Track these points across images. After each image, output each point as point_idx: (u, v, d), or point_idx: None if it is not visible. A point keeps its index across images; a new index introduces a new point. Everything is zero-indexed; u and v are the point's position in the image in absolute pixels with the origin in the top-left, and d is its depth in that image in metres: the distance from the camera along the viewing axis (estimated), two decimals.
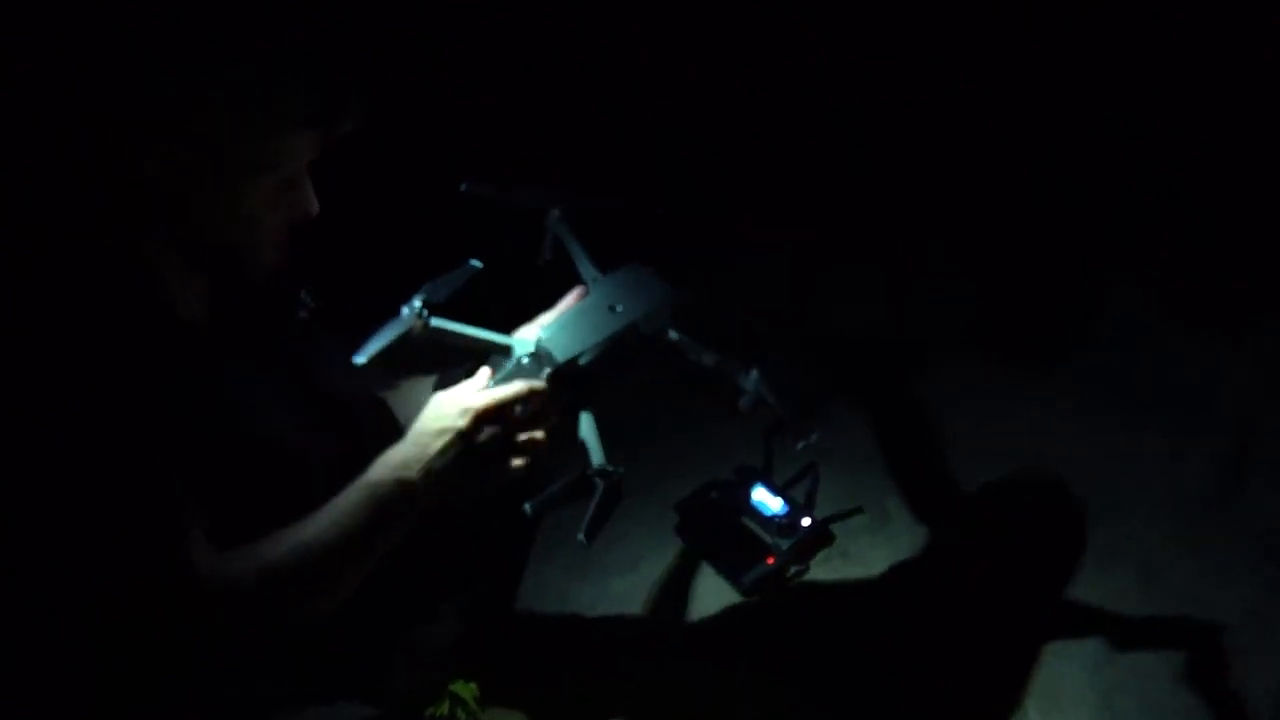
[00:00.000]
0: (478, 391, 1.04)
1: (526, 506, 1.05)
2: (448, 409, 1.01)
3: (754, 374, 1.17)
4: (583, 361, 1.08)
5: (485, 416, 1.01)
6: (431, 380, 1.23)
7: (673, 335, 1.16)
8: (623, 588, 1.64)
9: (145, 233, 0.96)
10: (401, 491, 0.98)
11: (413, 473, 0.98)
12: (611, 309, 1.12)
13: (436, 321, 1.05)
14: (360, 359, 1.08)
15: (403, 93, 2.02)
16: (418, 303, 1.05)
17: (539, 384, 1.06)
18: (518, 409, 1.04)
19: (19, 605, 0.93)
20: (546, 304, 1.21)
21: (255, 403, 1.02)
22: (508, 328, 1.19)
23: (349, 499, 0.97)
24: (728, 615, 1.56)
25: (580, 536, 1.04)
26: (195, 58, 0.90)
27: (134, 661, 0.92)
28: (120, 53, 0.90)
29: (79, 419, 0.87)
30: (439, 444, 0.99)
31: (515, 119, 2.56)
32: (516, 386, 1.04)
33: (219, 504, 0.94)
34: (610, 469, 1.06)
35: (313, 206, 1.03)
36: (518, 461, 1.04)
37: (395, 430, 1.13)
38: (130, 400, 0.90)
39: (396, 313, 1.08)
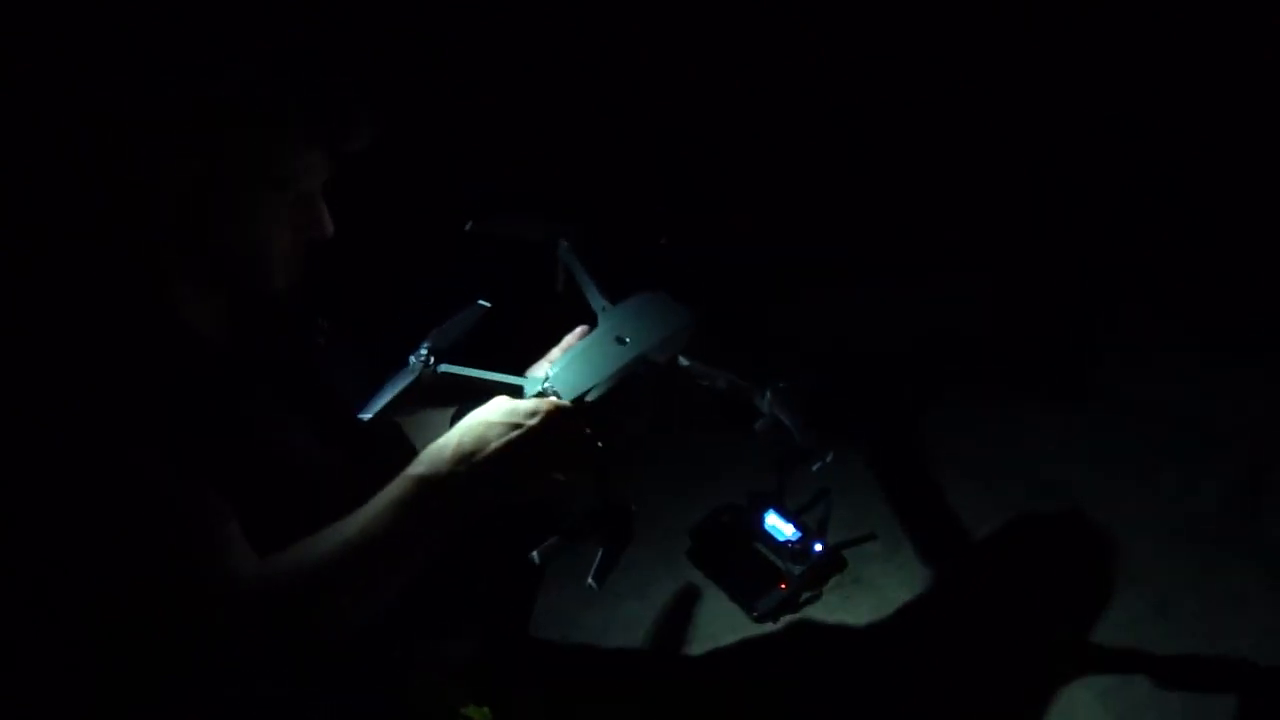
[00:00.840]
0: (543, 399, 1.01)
1: (534, 555, 1.03)
2: (516, 407, 0.98)
3: (768, 395, 1.16)
4: (590, 398, 1.07)
5: (554, 416, 0.98)
6: (449, 412, 1.22)
7: (683, 361, 1.14)
8: (634, 613, 1.63)
9: (160, 245, 0.95)
10: (452, 487, 0.94)
11: (466, 467, 0.94)
12: (619, 341, 1.10)
13: (445, 368, 1.06)
14: (366, 415, 1.09)
15: (406, 100, 1.99)
16: (424, 351, 1.06)
17: None
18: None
19: (43, 615, 0.91)
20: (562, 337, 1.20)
21: (269, 419, 1.01)
22: (529, 359, 1.19)
23: (396, 494, 0.93)
24: (740, 641, 1.56)
25: (590, 581, 1.02)
26: (200, 63, 0.89)
27: (157, 668, 0.89)
28: (121, 54, 0.89)
29: (98, 423, 0.86)
30: (503, 440, 0.95)
31: (515, 119, 2.53)
32: None
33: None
34: (621, 508, 1.05)
35: (327, 227, 1.02)
36: (559, 475, 1.00)
37: (410, 455, 1.13)
38: (148, 407, 0.88)
39: (405, 363, 1.10)
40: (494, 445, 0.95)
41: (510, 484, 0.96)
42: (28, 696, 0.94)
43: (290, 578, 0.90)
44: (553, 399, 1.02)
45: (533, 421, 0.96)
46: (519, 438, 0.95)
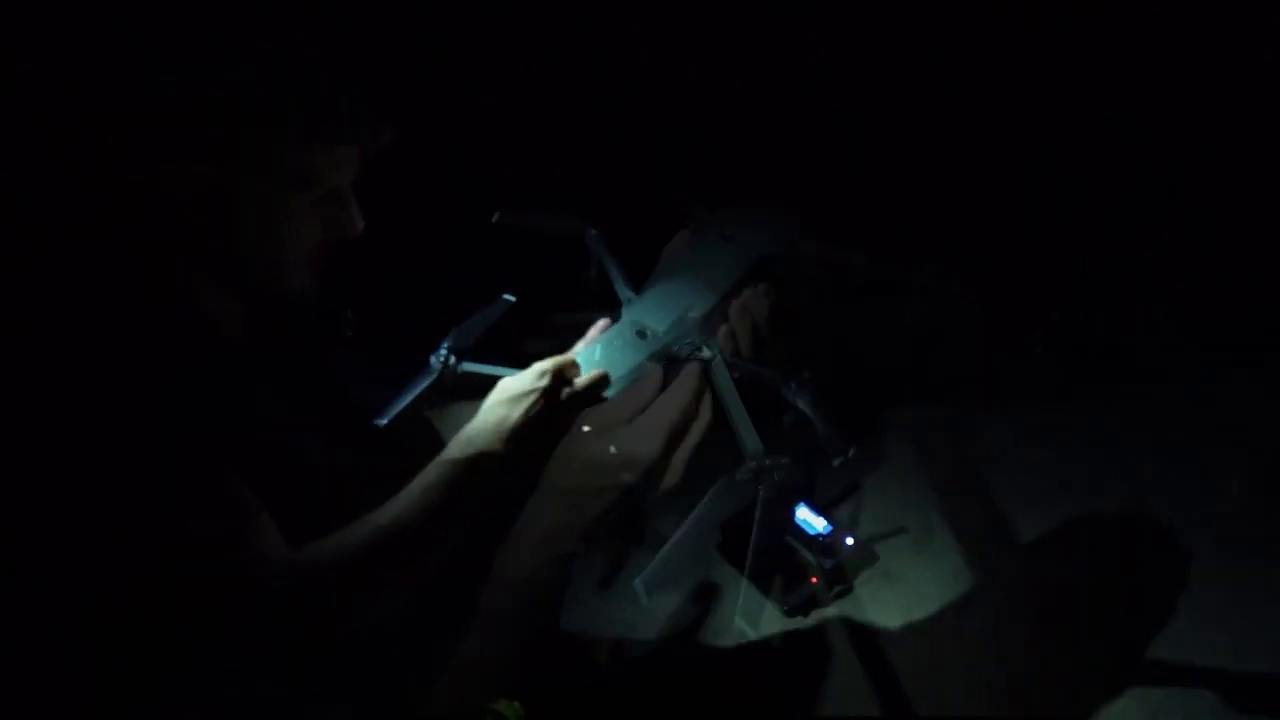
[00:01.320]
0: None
1: (637, 584, 1.01)
2: (523, 376, 1.00)
3: (793, 386, 1.15)
4: (609, 394, 1.05)
5: (562, 371, 1.00)
6: (477, 404, 1.22)
7: (705, 353, 1.11)
8: (663, 607, 1.62)
9: (162, 245, 0.95)
10: (485, 465, 0.95)
11: (498, 444, 0.96)
12: (640, 335, 1.08)
13: (467, 366, 1.05)
14: (381, 421, 1.08)
15: (406, 100, 1.99)
16: (443, 351, 1.06)
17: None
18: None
19: (64, 611, 0.90)
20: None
21: (267, 421, 1.01)
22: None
23: (428, 480, 0.95)
24: (770, 634, 1.56)
25: (636, 584, 0.99)
26: (201, 63, 0.89)
27: (174, 663, 0.88)
28: (121, 54, 0.88)
29: (116, 419, 0.86)
30: (521, 409, 0.97)
31: (515, 119, 2.53)
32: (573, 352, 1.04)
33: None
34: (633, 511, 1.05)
35: (356, 224, 1.02)
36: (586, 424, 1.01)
37: (439, 447, 1.13)
38: (157, 404, 0.88)
39: (424, 364, 1.09)
40: (515, 417, 0.96)
41: (537, 448, 0.98)
42: (28, 696, 0.93)
43: (323, 566, 0.90)
44: (550, 360, 1.02)
45: (544, 382, 0.98)
46: (534, 402, 0.97)
